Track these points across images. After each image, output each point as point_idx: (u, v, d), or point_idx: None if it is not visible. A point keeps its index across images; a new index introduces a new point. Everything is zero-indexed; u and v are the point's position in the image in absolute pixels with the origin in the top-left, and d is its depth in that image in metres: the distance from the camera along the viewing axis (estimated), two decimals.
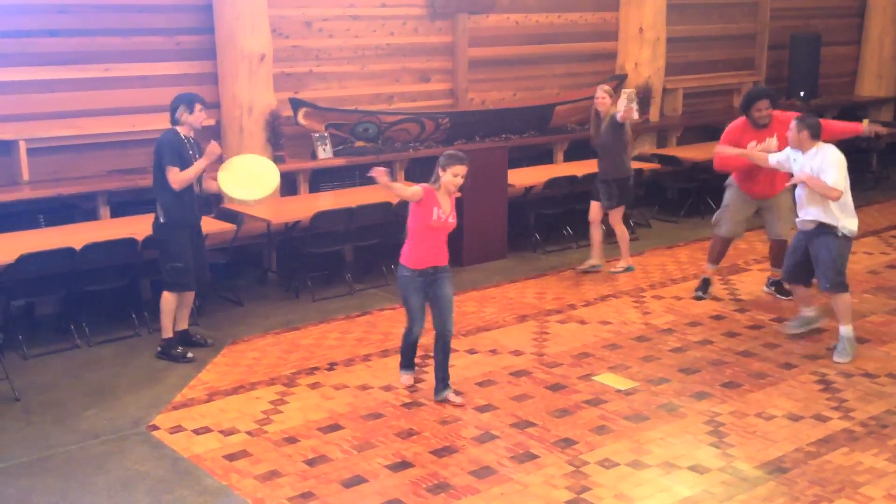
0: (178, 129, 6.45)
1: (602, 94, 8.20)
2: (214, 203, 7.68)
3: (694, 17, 12.15)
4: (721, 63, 12.64)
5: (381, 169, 5.46)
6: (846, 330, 6.54)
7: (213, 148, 6.45)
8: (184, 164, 6.36)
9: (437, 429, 5.51)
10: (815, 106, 13.07)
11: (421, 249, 5.62)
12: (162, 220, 6.47)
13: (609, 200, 8.35)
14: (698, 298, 7.80)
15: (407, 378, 6.09)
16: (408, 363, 6.09)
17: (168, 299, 6.56)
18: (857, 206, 6.69)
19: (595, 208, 8.46)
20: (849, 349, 6.51)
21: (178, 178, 6.33)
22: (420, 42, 9.81)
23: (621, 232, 8.54)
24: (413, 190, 5.58)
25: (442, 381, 5.83)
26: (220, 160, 6.86)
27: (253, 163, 7.00)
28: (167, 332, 6.62)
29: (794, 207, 6.86)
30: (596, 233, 8.52)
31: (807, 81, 12.84)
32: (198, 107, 6.44)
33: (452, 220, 5.66)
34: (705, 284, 7.86)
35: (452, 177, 5.54)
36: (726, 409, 5.74)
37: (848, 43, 14.05)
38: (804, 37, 12.91)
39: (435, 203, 5.57)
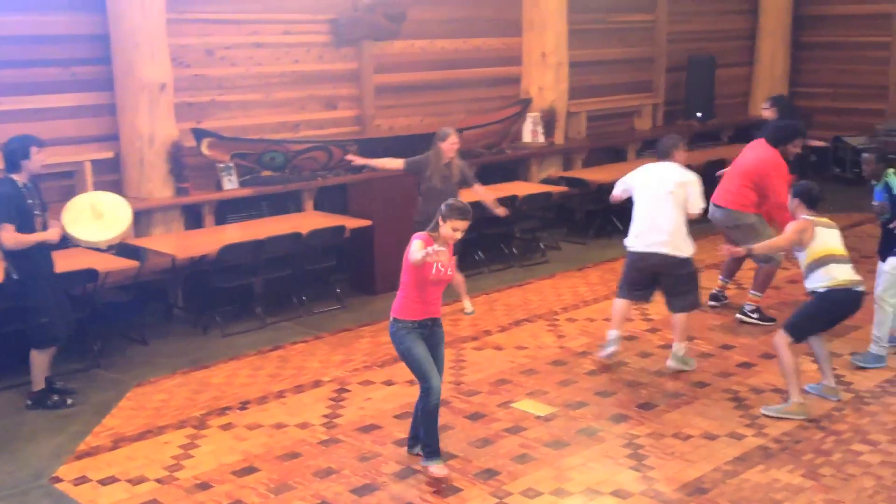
0: (15, 177, 5.96)
1: (457, 138, 7.79)
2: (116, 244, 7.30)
3: (594, 41, 12.37)
4: (622, 86, 12.91)
5: (439, 251, 5.00)
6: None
7: (53, 232, 6.04)
8: (22, 217, 5.90)
9: (357, 466, 5.38)
10: (712, 126, 13.48)
11: (417, 302, 5.18)
12: (16, 277, 6.05)
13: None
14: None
15: (440, 468, 5.24)
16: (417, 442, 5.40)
17: (38, 356, 6.20)
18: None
19: None
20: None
21: (12, 238, 5.87)
22: (325, 69, 9.70)
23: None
24: (420, 251, 5.02)
25: (416, 437, 5.43)
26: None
27: (98, 200, 6.45)
28: (38, 385, 6.25)
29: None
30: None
31: (703, 103, 13.24)
32: (34, 150, 5.95)
33: (451, 273, 5.29)
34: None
35: (451, 231, 5.15)
36: (644, 431, 5.78)
37: (741, 64, 14.55)
38: (700, 59, 13.31)
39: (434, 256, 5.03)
